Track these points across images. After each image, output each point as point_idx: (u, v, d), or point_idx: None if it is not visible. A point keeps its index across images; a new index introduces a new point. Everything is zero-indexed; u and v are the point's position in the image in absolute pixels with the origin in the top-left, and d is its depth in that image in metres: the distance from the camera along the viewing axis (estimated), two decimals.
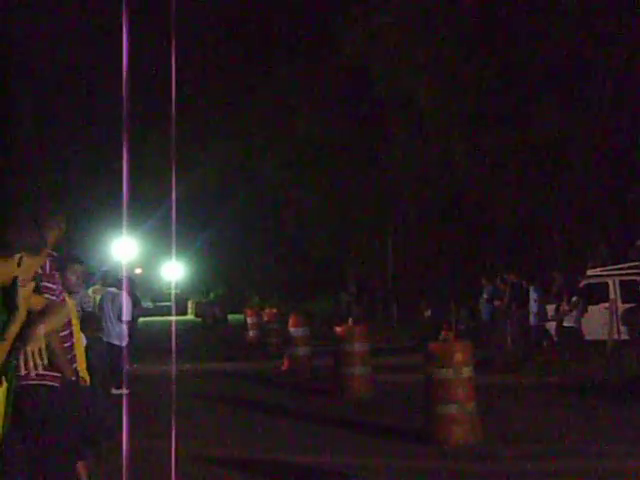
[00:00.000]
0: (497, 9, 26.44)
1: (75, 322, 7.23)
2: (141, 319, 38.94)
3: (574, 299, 19.21)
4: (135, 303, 19.42)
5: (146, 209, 31.11)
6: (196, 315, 50.53)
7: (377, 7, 28.64)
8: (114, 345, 11.61)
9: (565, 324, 19.62)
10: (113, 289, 11.96)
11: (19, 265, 3.63)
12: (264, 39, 32.70)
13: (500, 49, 26.62)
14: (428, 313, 27.37)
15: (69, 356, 5.89)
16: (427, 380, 9.69)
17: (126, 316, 11.10)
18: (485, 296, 23.38)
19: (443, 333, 10.06)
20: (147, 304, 48.14)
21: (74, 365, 6.06)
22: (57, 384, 5.69)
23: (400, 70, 28.34)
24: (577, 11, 24.85)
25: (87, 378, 6.90)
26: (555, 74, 25.61)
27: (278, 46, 32.36)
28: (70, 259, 6.68)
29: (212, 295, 51.31)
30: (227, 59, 33.53)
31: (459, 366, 9.46)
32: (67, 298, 6.35)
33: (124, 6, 4.39)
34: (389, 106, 30.07)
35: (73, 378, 5.82)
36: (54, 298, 5.66)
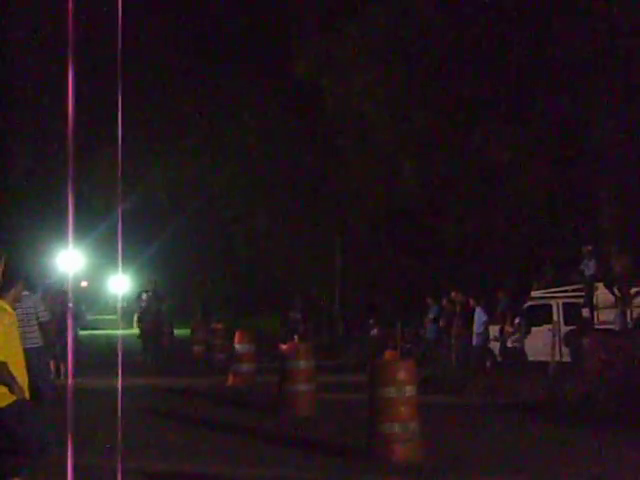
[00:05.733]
0: (448, 31, 26.75)
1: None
2: (85, 332, 38.39)
3: (517, 321, 19.44)
4: (77, 316, 19.20)
5: (93, 221, 30.75)
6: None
7: (331, 25, 28.80)
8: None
9: (509, 345, 19.87)
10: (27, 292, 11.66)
11: None
12: (216, 53, 32.59)
13: (450, 70, 26.92)
14: (375, 332, 27.46)
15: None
16: (370, 398, 9.71)
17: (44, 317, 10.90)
18: (430, 316, 23.54)
19: (387, 352, 10.10)
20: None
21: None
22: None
23: (351, 88, 28.48)
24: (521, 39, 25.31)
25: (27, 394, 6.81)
26: (503, 96, 25.96)
27: (229, 60, 32.26)
28: None
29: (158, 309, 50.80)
30: (177, 73, 33.36)
31: (402, 385, 9.49)
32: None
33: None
34: (339, 124, 30.18)
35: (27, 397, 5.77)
36: None
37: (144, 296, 26.21)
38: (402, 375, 9.53)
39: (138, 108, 29.49)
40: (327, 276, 35.08)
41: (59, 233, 27.58)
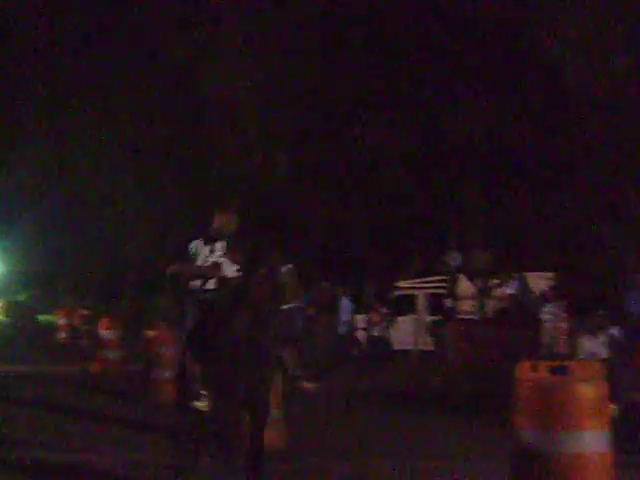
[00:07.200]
0: (326, 27, 27.02)
1: None
2: None
3: (383, 311, 19.86)
4: None
5: None
6: (6, 315, 48.52)
7: (208, 15, 28.65)
8: None
9: (375, 334, 20.28)
10: None
11: None
12: (88, 36, 31.85)
13: (326, 68, 27.18)
14: None
15: None
16: None
17: None
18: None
19: None
20: None
21: None
22: None
23: (227, 78, 28.39)
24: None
25: None
26: (374, 94, 26.44)
27: (103, 45, 31.59)
28: None
29: (24, 295, 49.40)
30: (46, 56, 32.46)
31: None
32: None
33: None
34: (214, 113, 30.02)
35: None
36: None
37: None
38: None
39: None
40: None
41: None
